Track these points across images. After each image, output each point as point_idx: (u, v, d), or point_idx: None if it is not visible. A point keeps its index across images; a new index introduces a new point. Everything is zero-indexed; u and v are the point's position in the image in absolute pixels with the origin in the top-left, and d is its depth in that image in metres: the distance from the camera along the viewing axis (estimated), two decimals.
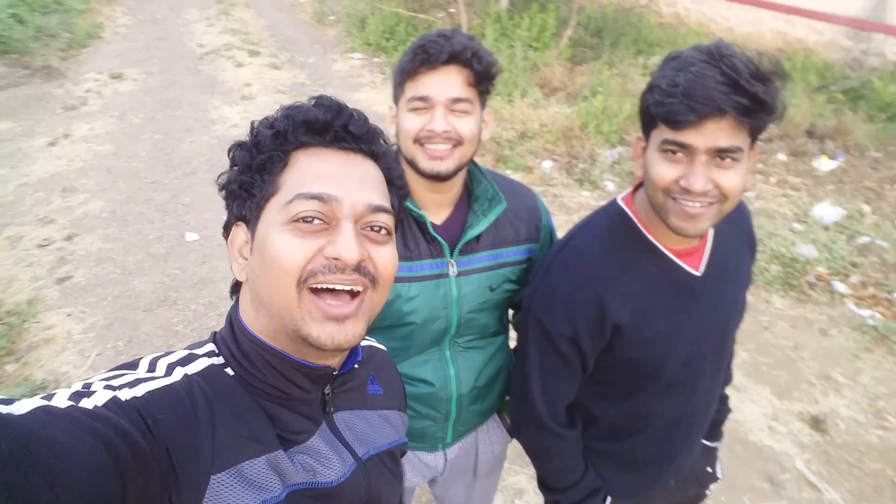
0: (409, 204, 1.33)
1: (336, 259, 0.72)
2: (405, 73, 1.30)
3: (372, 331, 1.44)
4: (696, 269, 1.26)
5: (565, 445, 1.40)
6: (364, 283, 0.75)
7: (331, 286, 0.72)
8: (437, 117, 1.27)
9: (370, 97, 7.26)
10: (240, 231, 0.80)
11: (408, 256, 1.37)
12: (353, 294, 0.75)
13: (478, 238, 1.41)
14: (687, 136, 1.04)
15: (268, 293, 0.74)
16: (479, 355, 1.51)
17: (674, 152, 1.08)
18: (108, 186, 4.99)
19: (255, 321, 0.79)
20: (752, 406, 3.16)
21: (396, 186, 0.86)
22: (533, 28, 7.50)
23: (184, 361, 0.75)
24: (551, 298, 1.27)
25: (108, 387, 0.65)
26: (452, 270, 1.39)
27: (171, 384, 0.70)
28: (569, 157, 5.67)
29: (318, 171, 0.76)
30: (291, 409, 0.80)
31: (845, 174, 5.31)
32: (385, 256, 0.79)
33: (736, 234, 1.36)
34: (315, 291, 0.73)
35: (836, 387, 3.32)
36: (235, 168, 0.80)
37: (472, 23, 8.05)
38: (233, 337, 0.80)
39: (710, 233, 1.29)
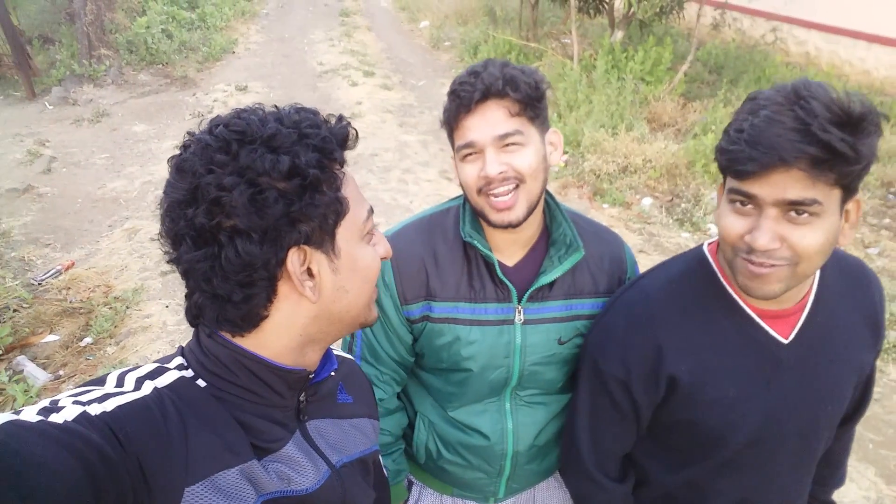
0: (477, 243, 1.26)
1: (385, 257, 0.87)
2: (449, 125, 1.24)
3: (427, 372, 1.41)
4: (785, 337, 1.10)
5: (610, 499, 1.30)
6: None
7: None
8: (488, 161, 1.18)
9: None
10: (298, 254, 0.74)
11: (472, 297, 1.29)
12: None
13: (551, 285, 1.30)
14: (752, 187, 0.93)
15: (356, 302, 0.83)
16: (542, 412, 1.40)
17: (742, 203, 0.97)
18: None
19: (284, 342, 0.79)
20: (852, 486, 2.83)
21: None
22: (647, 61, 7.30)
23: (153, 375, 0.74)
24: (607, 337, 1.21)
25: (76, 402, 0.65)
26: (519, 318, 1.30)
27: (142, 398, 0.69)
28: (671, 195, 5.44)
29: (355, 186, 0.83)
30: (265, 416, 0.80)
31: None
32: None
33: (853, 307, 1.17)
34: None
35: None
36: (291, 190, 0.71)
37: (584, 53, 7.97)
38: (201, 348, 0.78)
39: (812, 297, 1.12)
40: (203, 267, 0.70)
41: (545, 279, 1.28)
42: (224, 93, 7.94)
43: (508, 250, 1.31)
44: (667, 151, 5.81)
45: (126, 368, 0.76)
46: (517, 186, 1.19)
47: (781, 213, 0.93)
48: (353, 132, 0.81)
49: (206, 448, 0.71)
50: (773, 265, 0.96)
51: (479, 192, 1.21)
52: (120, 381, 0.72)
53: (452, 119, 1.22)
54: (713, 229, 4.93)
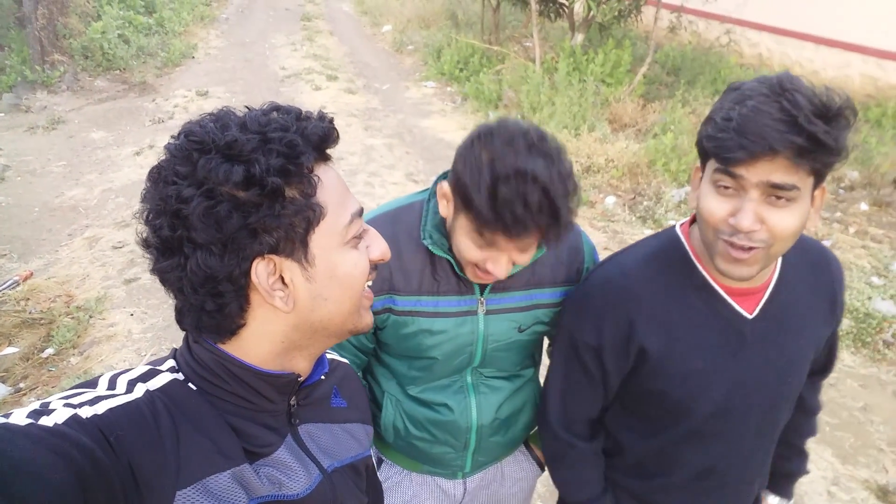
0: (435, 248, 1.27)
1: (381, 258, 0.84)
2: (477, 218, 1.10)
3: (393, 357, 1.44)
4: (750, 312, 1.17)
5: (580, 457, 1.37)
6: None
7: (370, 283, 0.84)
8: (500, 266, 1.16)
9: (438, 124, 7.39)
10: (264, 264, 0.71)
11: (435, 291, 1.32)
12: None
13: (511, 276, 1.33)
14: (738, 169, 0.98)
15: (338, 310, 0.79)
16: (504, 386, 1.46)
17: (726, 187, 1.01)
18: None
19: (266, 349, 0.77)
20: (811, 467, 2.93)
21: None
22: (607, 63, 7.45)
23: (145, 377, 0.74)
24: (583, 308, 1.27)
25: (67, 405, 0.64)
26: (482, 308, 1.34)
27: (133, 401, 0.69)
28: (633, 193, 5.56)
29: (343, 188, 0.79)
30: (256, 421, 0.79)
31: None
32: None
33: (814, 286, 1.23)
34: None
35: None
36: (249, 201, 0.68)
37: (545, 56, 8.08)
38: (190, 353, 0.78)
39: (775, 277, 1.18)
40: (172, 277, 0.70)
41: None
42: (184, 98, 7.82)
43: None
44: (628, 151, 5.94)
45: (118, 371, 0.75)
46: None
47: (763, 196, 0.98)
48: (333, 131, 0.76)
49: (197, 451, 0.70)
50: (751, 248, 1.01)
51: (474, 264, 1.22)
52: (112, 384, 0.72)
53: (483, 228, 1.11)
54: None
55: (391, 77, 9.38)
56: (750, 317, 1.17)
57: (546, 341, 1.57)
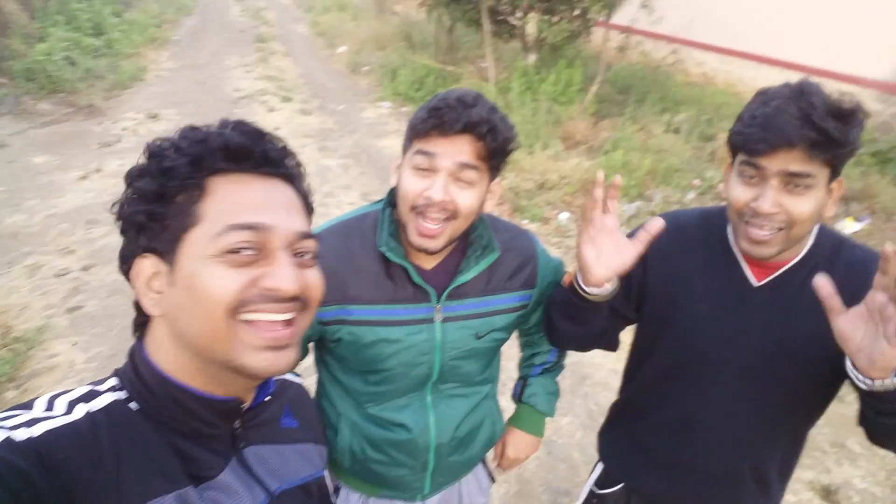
0: (392, 255, 1.28)
1: (275, 290, 0.72)
2: (415, 132, 1.23)
3: (349, 373, 1.41)
4: (758, 280, 1.30)
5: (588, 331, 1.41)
6: (297, 310, 0.76)
7: (266, 317, 0.72)
8: (437, 184, 1.20)
9: (394, 144, 7.39)
10: (146, 263, 0.75)
11: (391, 299, 1.32)
12: (288, 322, 0.75)
13: (468, 283, 1.35)
14: (760, 160, 1.14)
15: (194, 326, 0.72)
16: (463, 403, 1.45)
17: (750, 176, 1.18)
18: None
19: (171, 357, 0.76)
20: None
21: (308, 206, 0.86)
22: (559, 83, 7.60)
23: (86, 398, 0.72)
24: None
25: (0, 427, 0.63)
26: (438, 316, 1.34)
27: (73, 422, 0.67)
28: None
29: (245, 201, 0.74)
30: (199, 443, 0.78)
31: (870, 237, 5.15)
32: (315, 279, 0.80)
33: (836, 286, 1.24)
34: (250, 321, 0.72)
35: (852, 456, 3.14)
36: (137, 196, 0.74)
37: (499, 76, 8.20)
38: (135, 371, 0.77)
39: (796, 260, 1.28)
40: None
41: (462, 278, 1.33)
42: (134, 121, 7.65)
43: (426, 258, 1.34)
44: (580, 168, 6.05)
45: (57, 392, 0.73)
46: (448, 219, 1.23)
47: (782, 184, 1.14)
48: (240, 142, 0.75)
49: (139, 475, 0.69)
50: (770, 232, 1.17)
51: (413, 208, 1.23)
52: (50, 405, 0.70)
53: (422, 131, 1.21)
54: None
55: (347, 98, 9.37)
56: (756, 284, 1.30)
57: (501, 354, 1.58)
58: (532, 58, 8.22)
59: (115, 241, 3.99)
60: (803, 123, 1.08)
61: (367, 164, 6.81)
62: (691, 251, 1.38)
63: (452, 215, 1.22)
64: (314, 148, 7.13)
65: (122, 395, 0.75)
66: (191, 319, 0.72)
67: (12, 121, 7.37)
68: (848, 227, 5.29)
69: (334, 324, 1.32)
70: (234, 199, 0.74)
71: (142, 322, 0.81)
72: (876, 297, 0.98)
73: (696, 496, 1.50)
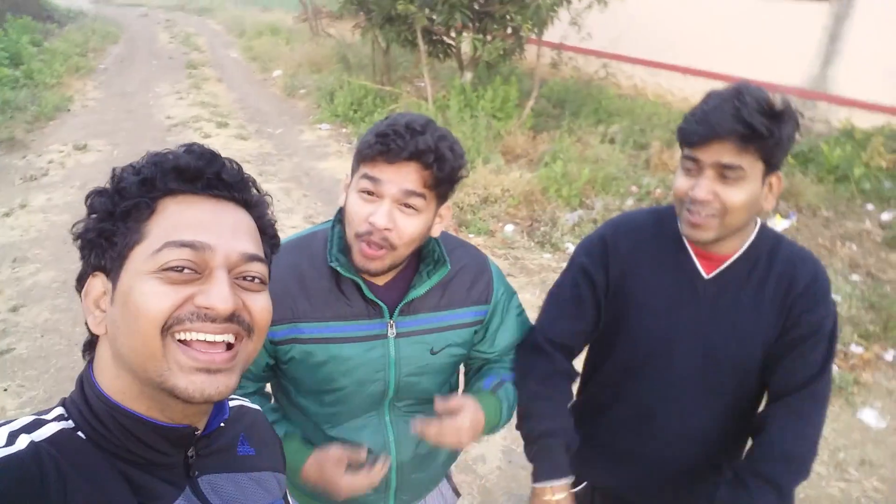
0: (341, 269, 1.27)
1: (208, 308, 0.70)
2: (362, 156, 1.23)
3: (304, 395, 1.38)
4: (708, 273, 1.38)
5: (552, 372, 1.48)
6: (239, 333, 0.74)
7: (201, 337, 0.70)
8: (381, 210, 1.19)
9: (336, 166, 7.35)
10: (96, 282, 0.75)
11: (342, 316, 1.30)
12: (229, 345, 0.73)
13: (421, 298, 1.34)
14: (697, 153, 1.24)
15: (129, 344, 0.70)
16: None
17: (689, 168, 1.28)
18: (62, 256, 4.87)
19: (114, 380, 0.74)
20: None
21: (269, 235, 0.85)
22: (496, 99, 7.73)
23: (29, 428, 0.69)
24: (590, 239, 1.53)
25: None
26: (392, 332, 1.32)
27: (15, 453, 0.64)
28: (530, 220, 5.73)
29: (189, 220, 0.74)
30: (151, 472, 0.74)
31: (798, 232, 5.43)
32: (261, 304, 0.77)
33: (775, 279, 1.36)
34: (185, 341, 0.70)
35: None
36: (94, 216, 0.75)
37: (437, 95, 8.28)
38: (83, 399, 0.74)
39: (739, 252, 1.36)
40: None
41: (415, 293, 1.32)
42: (60, 153, 7.33)
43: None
44: (522, 180, 6.15)
45: None
46: (390, 248, 1.22)
47: (716, 174, 1.23)
48: (190, 160, 0.75)
49: None
50: (706, 216, 1.26)
51: (357, 235, 1.22)
52: None
53: (369, 156, 1.20)
54: (570, 248, 5.25)
55: (284, 121, 9.26)
56: (706, 276, 1.38)
57: (462, 371, 1.56)
58: (468, 76, 8.34)
59: (46, 279, 3.85)
60: (734, 119, 1.17)
61: (309, 186, 6.73)
62: (646, 248, 1.44)
63: (391, 246, 1.22)
64: (253, 172, 6.92)
65: (68, 424, 0.72)
66: (126, 336, 0.71)
67: None
68: (777, 224, 5.56)
69: (286, 343, 1.30)
70: (178, 219, 0.73)
71: (89, 342, 0.79)
72: None
73: (658, 489, 1.53)
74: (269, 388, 1.52)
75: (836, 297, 4.38)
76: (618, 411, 1.52)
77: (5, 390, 3.42)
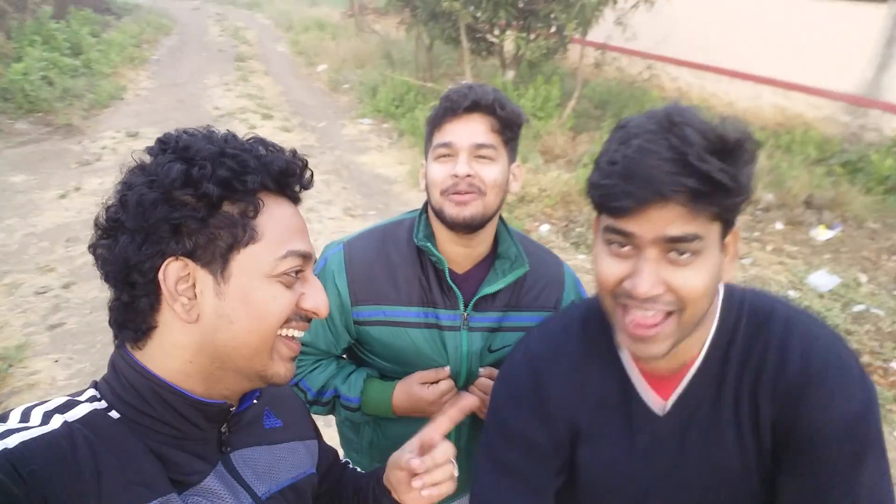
0: (430, 245, 1.33)
1: (314, 312, 0.82)
2: (432, 124, 1.32)
3: (384, 361, 1.44)
4: (662, 405, 0.98)
5: None
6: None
7: (299, 334, 0.82)
8: (460, 162, 1.26)
9: (375, 160, 7.46)
10: (176, 266, 0.73)
11: (422, 302, 1.36)
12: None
13: (494, 296, 1.38)
14: (628, 224, 0.82)
15: (243, 338, 0.76)
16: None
17: (620, 244, 0.85)
18: None
19: (176, 363, 0.76)
20: None
21: None
22: (538, 98, 7.73)
23: (63, 408, 0.72)
24: (512, 379, 1.12)
25: None
26: (465, 324, 1.37)
27: (49, 432, 0.66)
28: (566, 220, 5.73)
29: (293, 226, 0.80)
30: (184, 448, 0.77)
31: (842, 244, 5.30)
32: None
33: (753, 370, 0.94)
34: (286, 336, 0.81)
35: None
36: (179, 199, 0.72)
37: None
38: (117, 378, 0.77)
39: (701, 357, 0.96)
40: (100, 256, 0.75)
41: (489, 289, 1.36)
42: (113, 139, 7.62)
43: (459, 262, 1.38)
44: (560, 180, 6.15)
45: (33, 403, 0.72)
46: (478, 194, 1.27)
47: (662, 253, 0.83)
48: (295, 166, 0.79)
49: (119, 484, 0.68)
50: (662, 316, 0.85)
51: (443, 192, 1.27)
52: (25, 417, 0.69)
53: (437, 120, 1.30)
54: None
55: (327, 115, 9.43)
56: (661, 414, 0.98)
57: None
58: (510, 74, 8.36)
59: None
60: (678, 168, 0.77)
61: (349, 179, 6.85)
62: (580, 382, 1.03)
63: (480, 190, 1.27)
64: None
65: (101, 404, 0.75)
66: (238, 331, 0.75)
67: None
68: (821, 234, 5.43)
69: (372, 324, 1.37)
70: (286, 224, 0.79)
71: (146, 329, 0.76)
72: None
73: None
74: None
75: (879, 311, 4.27)
76: None
77: (56, 361, 3.60)
